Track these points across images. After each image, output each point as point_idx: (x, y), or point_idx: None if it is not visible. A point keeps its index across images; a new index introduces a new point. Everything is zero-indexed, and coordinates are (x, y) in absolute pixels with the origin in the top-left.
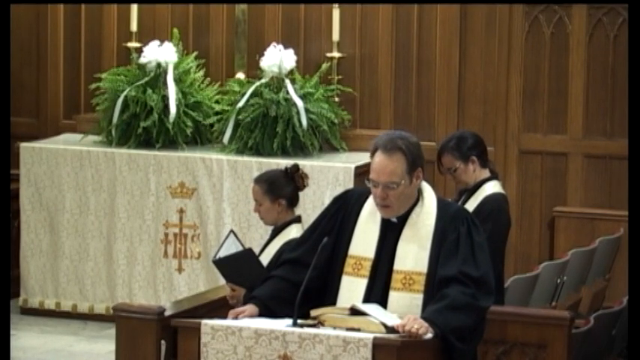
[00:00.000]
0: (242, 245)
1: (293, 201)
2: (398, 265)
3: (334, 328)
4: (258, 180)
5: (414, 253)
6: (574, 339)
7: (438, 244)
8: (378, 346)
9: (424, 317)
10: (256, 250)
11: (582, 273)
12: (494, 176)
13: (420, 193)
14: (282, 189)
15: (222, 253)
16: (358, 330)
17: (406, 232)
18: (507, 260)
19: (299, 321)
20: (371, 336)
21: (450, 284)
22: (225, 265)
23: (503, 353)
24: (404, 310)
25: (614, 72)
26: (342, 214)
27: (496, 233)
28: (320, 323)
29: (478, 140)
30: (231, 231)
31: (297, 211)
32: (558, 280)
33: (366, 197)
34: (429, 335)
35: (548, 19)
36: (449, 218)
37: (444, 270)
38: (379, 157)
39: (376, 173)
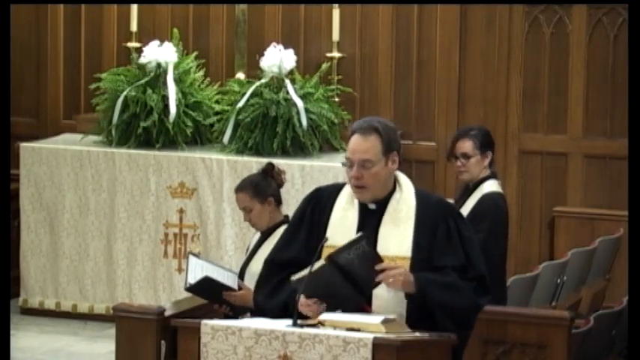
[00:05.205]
0: (204, 262)
1: (279, 198)
2: (381, 249)
3: (334, 328)
4: (242, 188)
5: (396, 238)
6: (574, 339)
7: (422, 230)
8: (378, 346)
9: (415, 275)
10: (245, 256)
11: (582, 273)
12: (493, 175)
13: (396, 180)
14: (267, 188)
15: (190, 279)
16: (358, 330)
17: (387, 218)
18: (507, 260)
19: (299, 321)
20: (371, 336)
21: (451, 272)
22: (198, 290)
23: (503, 353)
24: (389, 295)
25: (614, 72)
26: (317, 210)
27: (495, 232)
28: (320, 323)
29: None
30: (190, 253)
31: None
32: (558, 280)
33: (339, 190)
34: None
35: (548, 19)
36: (432, 207)
37: (441, 262)
38: (355, 137)
39: (351, 152)
